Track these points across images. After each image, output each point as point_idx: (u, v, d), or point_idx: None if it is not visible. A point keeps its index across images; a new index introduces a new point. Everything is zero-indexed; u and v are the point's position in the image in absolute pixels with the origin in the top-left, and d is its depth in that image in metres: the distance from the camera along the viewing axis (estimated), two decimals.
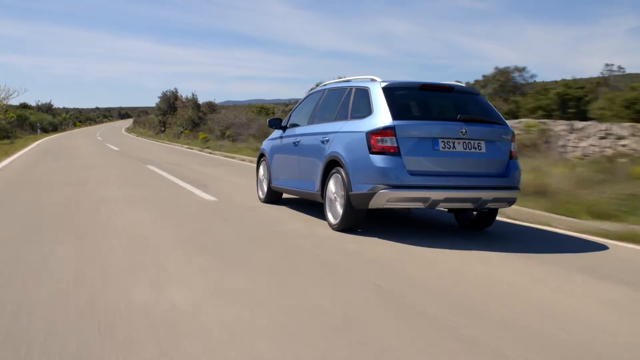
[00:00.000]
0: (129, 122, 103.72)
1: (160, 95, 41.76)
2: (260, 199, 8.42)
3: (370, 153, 5.61)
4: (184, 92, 61.66)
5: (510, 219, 7.23)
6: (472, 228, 6.48)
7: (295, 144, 7.22)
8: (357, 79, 6.64)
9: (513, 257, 5.07)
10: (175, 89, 44.43)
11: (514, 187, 5.87)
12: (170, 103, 43.22)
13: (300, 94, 42.47)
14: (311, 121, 7.14)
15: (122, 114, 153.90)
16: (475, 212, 6.38)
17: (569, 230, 6.52)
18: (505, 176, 5.81)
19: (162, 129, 43.03)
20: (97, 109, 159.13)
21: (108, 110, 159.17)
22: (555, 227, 6.68)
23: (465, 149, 5.67)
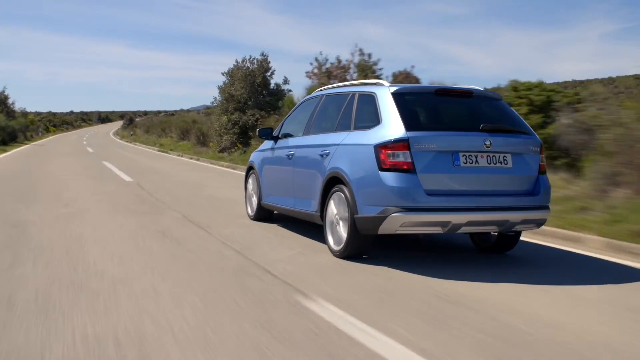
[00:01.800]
0: (113, 126, 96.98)
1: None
2: (249, 216, 7.59)
3: (380, 170, 4.81)
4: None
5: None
6: (492, 251, 5.70)
7: (289, 156, 6.40)
8: (359, 84, 5.85)
9: (555, 290, 4.30)
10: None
11: (544, 207, 5.11)
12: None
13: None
14: (307, 131, 6.32)
15: (103, 117, 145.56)
16: (496, 234, 5.60)
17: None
18: (534, 194, 5.04)
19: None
20: (72, 112, 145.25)
21: (85, 114, 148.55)
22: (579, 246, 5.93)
23: (490, 163, 4.89)
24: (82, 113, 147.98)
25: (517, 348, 3.12)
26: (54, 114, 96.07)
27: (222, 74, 22.35)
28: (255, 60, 21.93)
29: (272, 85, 21.99)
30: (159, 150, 28.49)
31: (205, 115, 35.78)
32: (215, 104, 23.01)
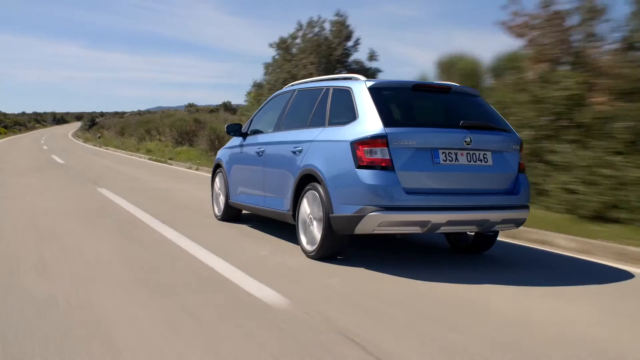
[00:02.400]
0: (69, 127, 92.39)
1: None
2: (215, 216, 7.30)
3: (357, 167, 4.59)
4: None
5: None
6: (469, 251, 5.55)
7: (259, 154, 6.13)
8: (334, 78, 5.63)
9: (536, 291, 4.16)
10: None
11: (524, 206, 4.98)
12: None
13: (233, 99, 34.47)
14: (278, 127, 6.07)
15: (58, 118, 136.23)
16: (472, 233, 5.46)
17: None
18: (514, 193, 4.91)
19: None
20: (25, 114, 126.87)
21: (39, 114, 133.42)
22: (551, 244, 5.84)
23: (470, 161, 4.73)
24: (36, 114, 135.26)
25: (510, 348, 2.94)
26: (5, 115, 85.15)
27: (272, 45, 15.49)
28: (327, 24, 14.59)
29: (349, 62, 14.95)
30: (151, 159, 20.44)
31: (203, 113, 29.93)
32: (248, 99, 16.19)
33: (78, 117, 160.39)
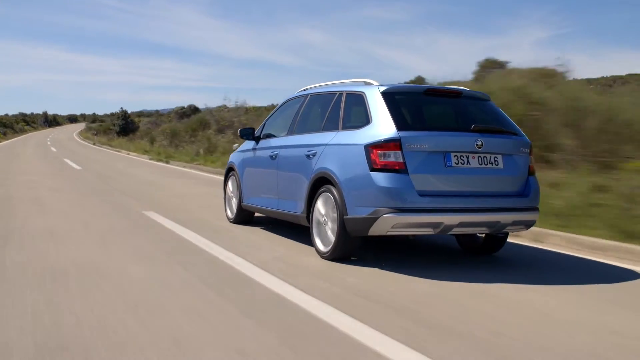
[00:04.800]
0: (66, 130, 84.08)
1: None
2: (228, 218, 7.42)
3: (371, 170, 4.71)
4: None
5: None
6: (479, 253, 5.66)
7: (273, 157, 6.26)
8: (346, 83, 5.75)
9: (550, 290, 4.26)
10: None
11: (534, 208, 5.09)
12: None
13: (217, 103, 32.83)
14: (291, 131, 6.19)
15: (49, 120, 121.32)
16: (482, 235, 5.57)
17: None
18: (525, 195, 5.02)
19: None
20: (7, 115, 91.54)
21: (26, 115, 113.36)
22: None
23: (481, 164, 4.85)
24: (23, 115, 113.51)
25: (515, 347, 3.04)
26: None
27: None
28: None
29: None
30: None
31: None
32: None
33: (72, 119, 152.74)
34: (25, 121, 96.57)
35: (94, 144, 43.32)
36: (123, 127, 49.43)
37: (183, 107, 40.92)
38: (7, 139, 49.44)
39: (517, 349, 3.05)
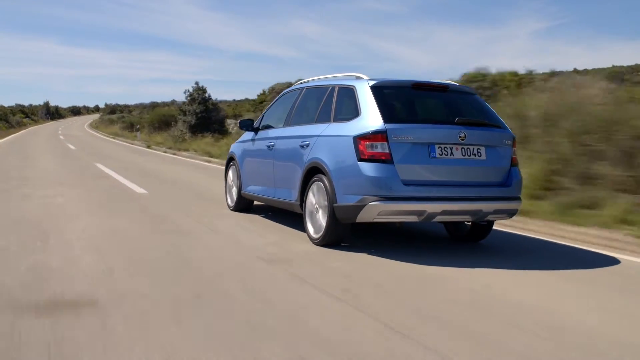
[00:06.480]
0: (72, 123, 73.93)
1: None
2: (229, 206, 7.70)
3: (359, 160, 4.96)
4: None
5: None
6: (466, 240, 5.90)
7: (270, 147, 6.52)
8: (339, 77, 5.99)
9: (531, 274, 4.50)
10: None
11: (516, 198, 5.32)
12: None
13: (214, 95, 28.63)
14: (287, 123, 6.45)
15: (52, 112, 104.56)
16: (469, 223, 5.81)
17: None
18: (506, 185, 5.25)
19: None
20: (3, 107, 67.94)
21: (23, 106, 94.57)
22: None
23: (464, 155, 5.08)
24: (20, 106, 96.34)
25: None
26: None
27: None
28: None
29: None
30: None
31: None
32: None
33: (74, 110, 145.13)
34: (23, 112, 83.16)
35: (148, 146, 26.09)
36: (203, 119, 27.15)
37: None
38: (11, 134, 36.94)
39: (494, 334, 3.30)
